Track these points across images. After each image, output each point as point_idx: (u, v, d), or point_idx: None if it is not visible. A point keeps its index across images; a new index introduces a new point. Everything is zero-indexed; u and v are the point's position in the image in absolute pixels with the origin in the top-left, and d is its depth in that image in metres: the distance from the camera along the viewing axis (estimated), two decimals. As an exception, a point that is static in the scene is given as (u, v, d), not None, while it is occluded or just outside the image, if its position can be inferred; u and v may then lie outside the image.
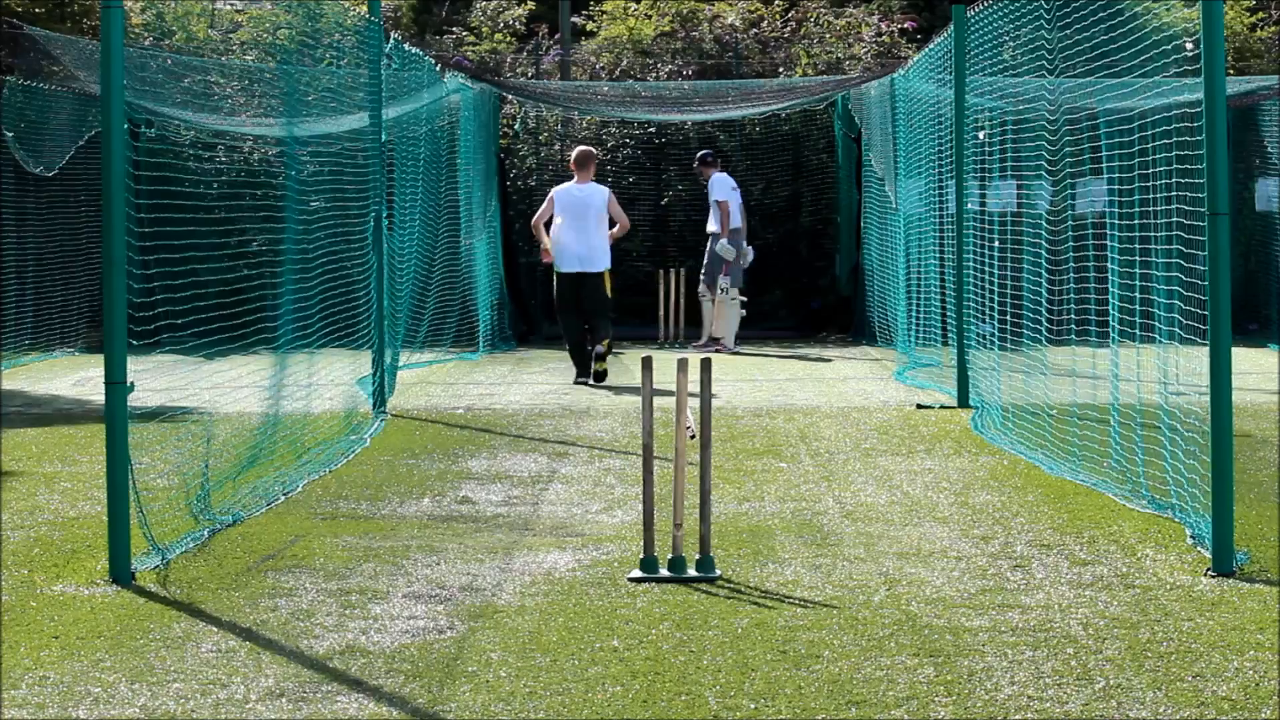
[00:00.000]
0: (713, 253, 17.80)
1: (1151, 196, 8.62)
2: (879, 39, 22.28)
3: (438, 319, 16.81)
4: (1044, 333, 10.56)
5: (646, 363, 6.81)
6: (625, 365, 16.50)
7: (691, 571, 6.70)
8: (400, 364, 14.40)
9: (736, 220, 17.82)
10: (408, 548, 7.32)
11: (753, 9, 22.78)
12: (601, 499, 8.66)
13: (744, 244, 17.94)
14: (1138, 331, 8.97)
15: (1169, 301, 8.05)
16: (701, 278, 18.03)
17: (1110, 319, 9.08)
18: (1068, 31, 9.53)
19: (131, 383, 6.65)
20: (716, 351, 17.37)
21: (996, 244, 11.35)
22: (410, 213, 15.08)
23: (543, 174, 21.20)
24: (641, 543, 6.86)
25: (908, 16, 23.25)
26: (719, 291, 17.68)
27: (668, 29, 22.64)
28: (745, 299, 17.97)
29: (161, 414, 8.57)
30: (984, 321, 11.39)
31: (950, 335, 12.27)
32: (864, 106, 18.97)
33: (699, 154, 18.74)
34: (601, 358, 14.30)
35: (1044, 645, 5.60)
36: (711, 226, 17.86)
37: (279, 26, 17.86)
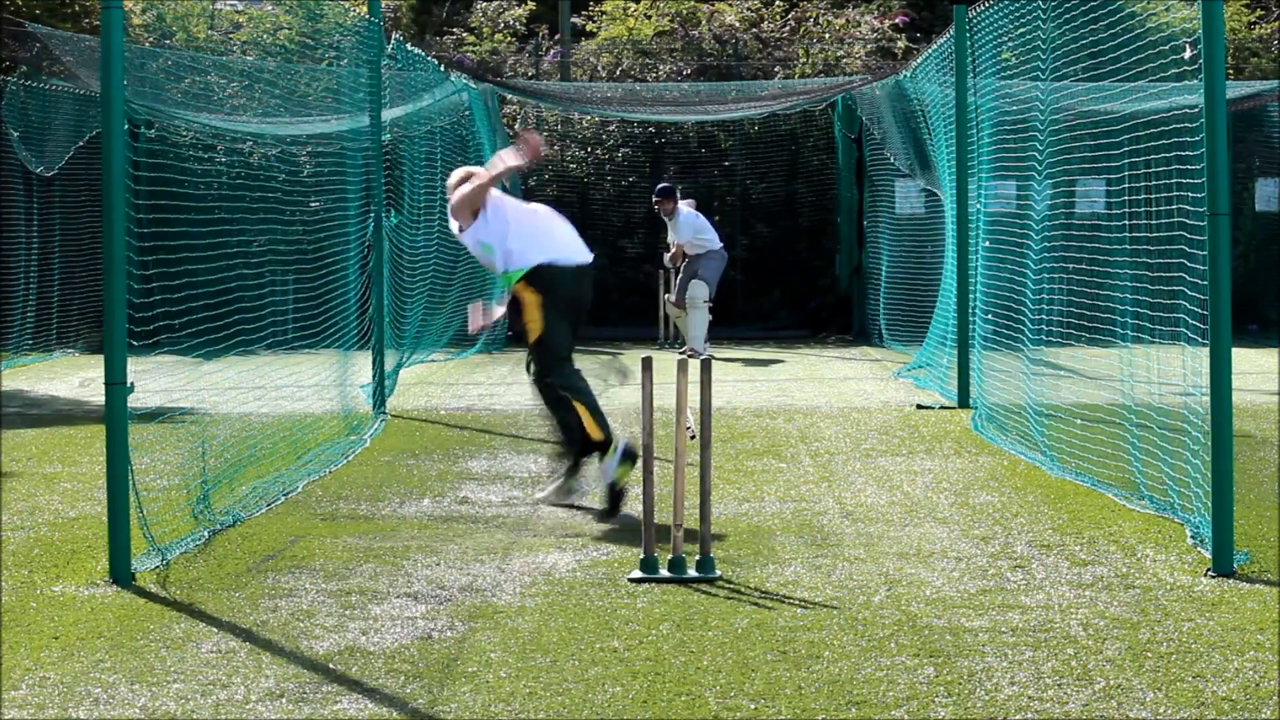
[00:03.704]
0: (717, 259, 17.31)
1: (1152, 197, 8.62)
2: (874, 35, 22.30)
3: (441, 318, 16.80)
4: (1047, 333, 10.56)
5: (646, 363, 6.81)
6: (625, 365, 16.49)
7: (691, 572, 6.69)
8: (406, 362, 14.40)
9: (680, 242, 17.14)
10: (408, 548, 7.32)
11: (753, 8, 22.79)
12: (602, 499, 8.65)
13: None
14: (1128, 332, 8.97)
15: (1168, 302, 8.05)
16: (675, 296, 17.17)
17: (1130, 319, 9.05)
18: (1076, 32, 9.53)
19: (131, 383, 6.65)
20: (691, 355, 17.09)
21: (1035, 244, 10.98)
22: (418, 212, 15.09)
23: (542, 174, 21.22)
24: (641, 543, 6.86)
25: (900, 11, 23.25)
26: (701, 302, 16.85)
27: (667, 29, 22.66)
28: (711, 304, 17.23)
29: (161, 415, 8.56)
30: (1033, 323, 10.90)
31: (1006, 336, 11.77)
32: (873, 104, 18.94)
33: (660, 188, 17.27)
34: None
35: (1044, 645, 5.60)
36: (701, 248, 17.04)
37: (279, 27, 17.87)
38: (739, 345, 18.65)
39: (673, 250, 17.27)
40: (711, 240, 17.15)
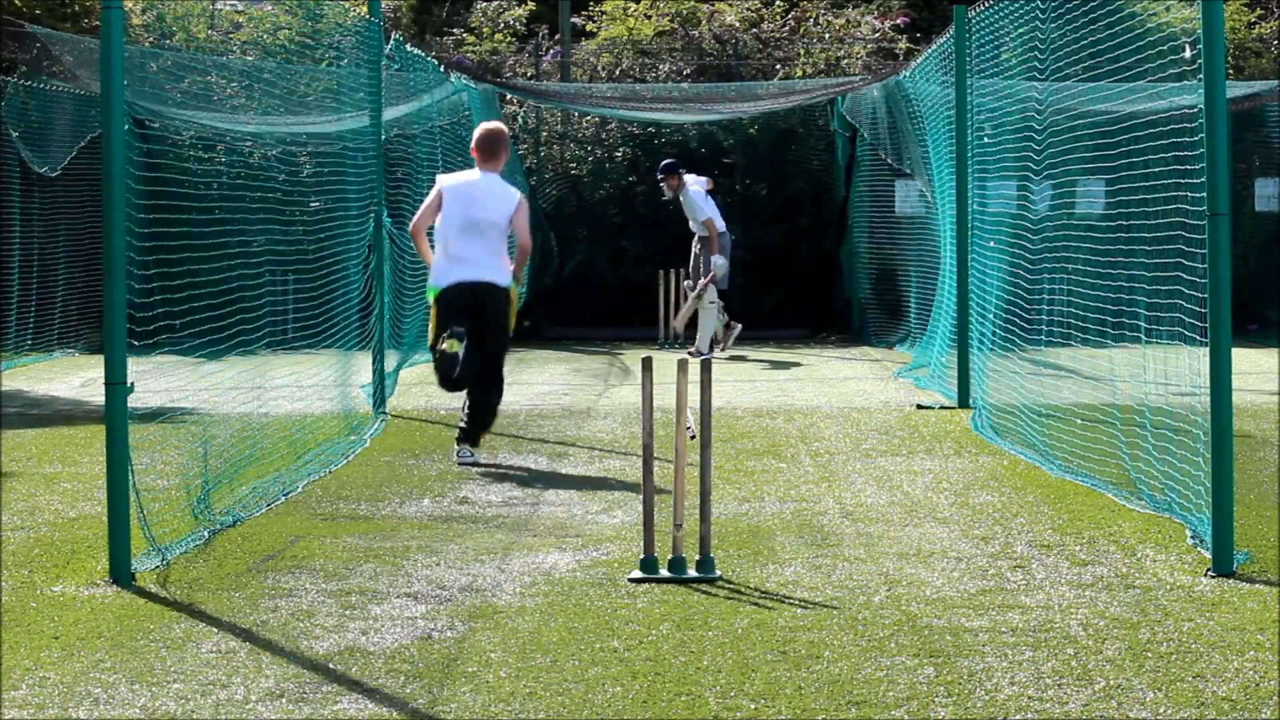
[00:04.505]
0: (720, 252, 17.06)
1: (1151, 197, 8.63)
2: (875, 36, 22.30)
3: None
4: (1046, 333, 10.56)
5: (646, 363, 6.81)
6: (626, 365, 16.51)
7: (691, 572, 6.70)
8: (406, 362, 14.40)
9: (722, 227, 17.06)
10: (408, 548, 7.32)
11: (753, 9, 22.79)
12: (601, 499, 8.66)
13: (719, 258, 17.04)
14: (1127, 332, 8.97)
15: (1168, 302, 8.06)
16: (692, 283, 17.08)
17: (1131, 319, 9.05)
18: (1076, 32, 9.53)
19: (131, 383, 6.65)
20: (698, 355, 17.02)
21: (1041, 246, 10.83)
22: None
23: (543, 173, 21.20)
24: (641, 543, 6.86)
25: (901, 12, 23.26)
26: (707, 302, 16.85)
27: (667, 29, 22.66)
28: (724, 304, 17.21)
29: (161, 415, 8.56)
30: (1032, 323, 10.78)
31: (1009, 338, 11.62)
32: (872, 104, 18.94)
33: (665, 164, 17.19)
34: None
35: (1044, 645, 5.60)
36: (704, 231, 16.92)
37: (279, 27, 17.88)
38: (739, 345, 18.63)
39: (708, 234, 16.80)
40: (719, 223, 17.00)
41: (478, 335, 9.88)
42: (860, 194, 19.93)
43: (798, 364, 16.74)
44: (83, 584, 6.67)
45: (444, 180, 10.19)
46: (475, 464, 9.90)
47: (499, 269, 9.96)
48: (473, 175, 10.06)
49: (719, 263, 16.90)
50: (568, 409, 12.66)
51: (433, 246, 10.13)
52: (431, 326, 10.05)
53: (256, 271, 10.19)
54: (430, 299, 10.10)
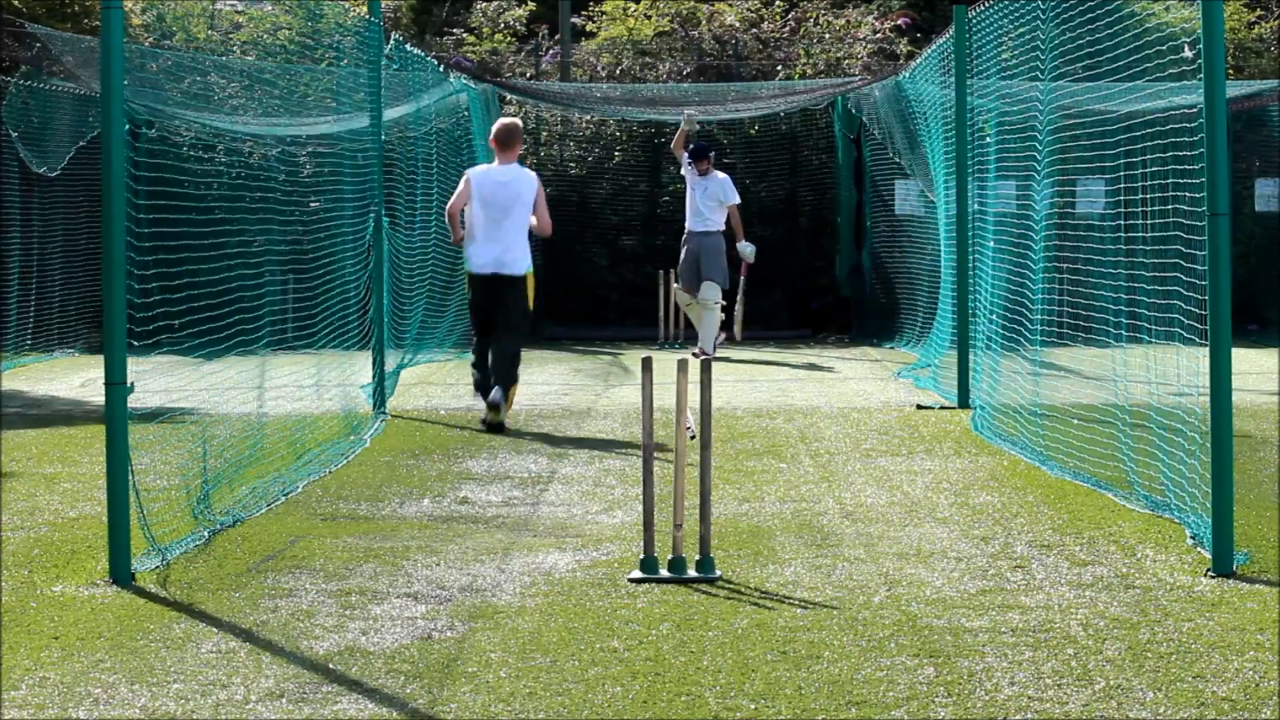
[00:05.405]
0: (720, 252, 16.85)
1: (1151, 197, 8.63)
2: (875, 37, 22.31)
3: (445, 321, 16.77)
4: (1045, 333, 10.55)
5: (646, 363, 6.81)
6: (625, 365, 16.51)
7: (691, 572, 6.70)
8: (408, 362, 14.39)
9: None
10: (408, 548, 7.32)
11: (753, 9, 22.80)
12: (601, 499, 8.66)
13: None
14: (1123, 332, 8.97)
15: (1168, 302, 8.06)
16: (707, 282, 16.72)
17: (1131, 320, 9.04)
18: (1076, 32, 9.53)
19: (131, 383, 6.65)
20: (720, 347, 16.99)
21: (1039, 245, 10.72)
22: (415, 213, 15.06)
23: (542, 173, 21.19)
24: (641, 543, 6.86)
25: (902, 13, 23.26)
26: (713, 304, 16.69)
27: (667, 29, 22.66)
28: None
29: (161, 415, 8.56)
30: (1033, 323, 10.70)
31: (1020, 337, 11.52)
32: (872, 104, 18.94)
33: (697, 148, 17.07)
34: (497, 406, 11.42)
35: (1044, 645, 5.60)
36: (710, 226, 16.82)
37: (279, 27, 17.87)
38: (740, 346, 18.63)
39: (732, 221, 16.82)
40: (718, 220, 16.97)
41: (502, 311, 11.55)
42: (867, 195, 19.94)
43: (798, 364, 16.73)
44: (83, 584, 6.67)
45: (471, 172, 11.84)
46: (499, 416, 11.30)
47: (518, 251, 11.56)
48: (494, 165, 11.72)
49: (747, 249, 17.12)
50: (568, 409, 12.66)
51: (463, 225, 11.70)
52: (469, 298, 11.91)
53: (256, 271, 10.19)
54: (467, 276, 11.88)
